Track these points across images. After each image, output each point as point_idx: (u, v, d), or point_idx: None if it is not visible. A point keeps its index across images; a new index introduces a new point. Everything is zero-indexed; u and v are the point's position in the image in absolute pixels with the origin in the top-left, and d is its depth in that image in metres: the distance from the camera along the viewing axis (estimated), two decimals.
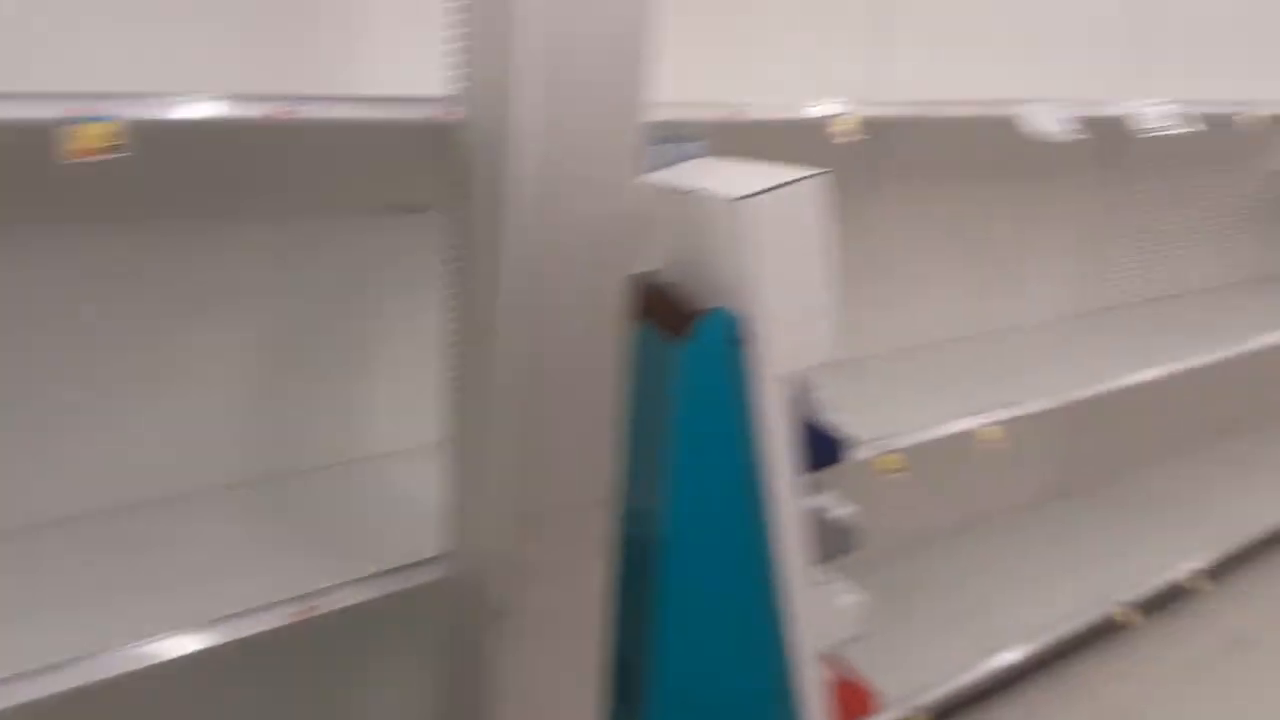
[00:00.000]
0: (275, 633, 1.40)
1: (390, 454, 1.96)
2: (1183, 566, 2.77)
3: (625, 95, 1.20)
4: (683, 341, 1.45)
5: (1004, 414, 2.22)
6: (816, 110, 1.84)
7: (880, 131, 2.38)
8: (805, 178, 1.38)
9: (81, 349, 1.62)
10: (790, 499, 1.55)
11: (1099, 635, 2.61)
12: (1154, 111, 2.42)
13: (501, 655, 1.35)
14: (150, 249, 1.64)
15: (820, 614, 1.64)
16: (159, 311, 1.67)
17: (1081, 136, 2.10)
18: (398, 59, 1.73)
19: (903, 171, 2.53)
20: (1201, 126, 2.49)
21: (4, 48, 1.44)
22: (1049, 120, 2.07)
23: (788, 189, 1.37)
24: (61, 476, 1.64)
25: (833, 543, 1.68)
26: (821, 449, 1.61)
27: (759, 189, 1.37)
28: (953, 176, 2.67)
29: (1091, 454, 3.31)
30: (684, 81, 1.94)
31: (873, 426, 2.06)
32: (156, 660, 1.32)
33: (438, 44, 1.42)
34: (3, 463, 1.58)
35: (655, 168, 1.68)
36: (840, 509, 1.68)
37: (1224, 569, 2.93)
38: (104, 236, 1.60)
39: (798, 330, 1.45)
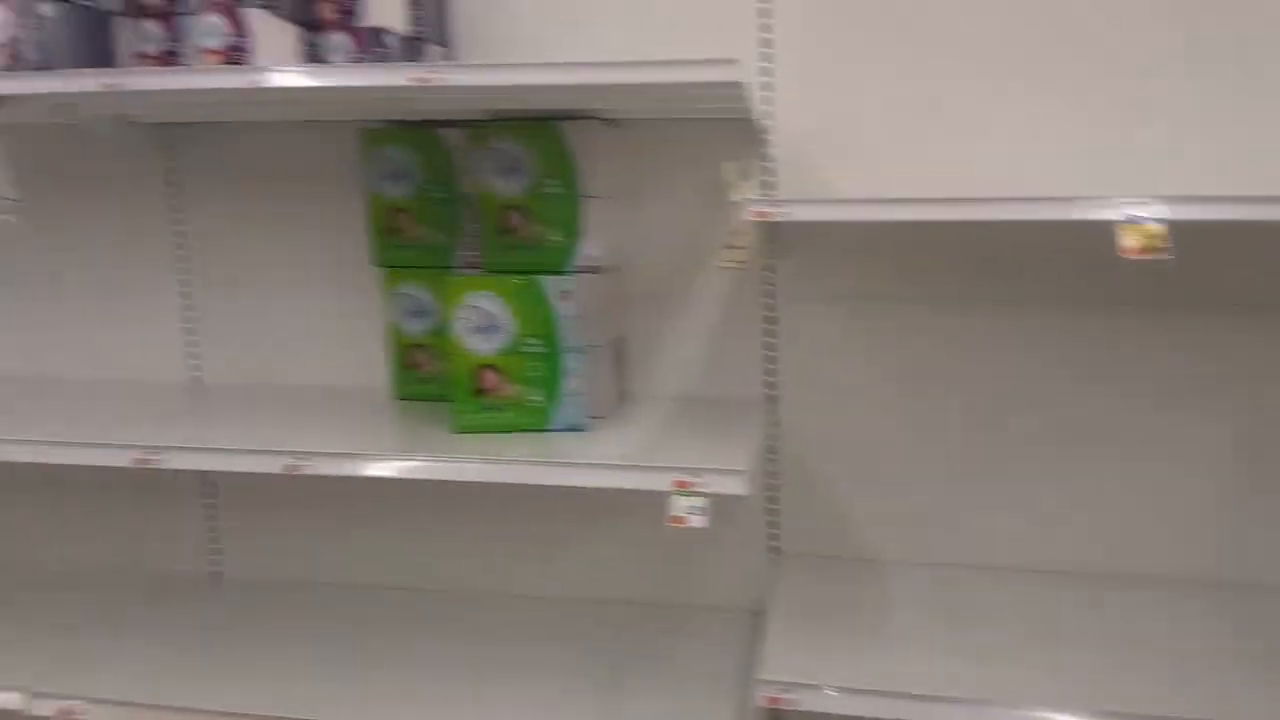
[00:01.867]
0: None
1: None
2: None
3: None
4: None
5: None
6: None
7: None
8: None
9: (1059, 426, 1.82)
10: None
11: None
12: None
13: None
14: (1123, 335, 1.76)
15: None
16: (1132, 395, 1.78)
17: None
18: None
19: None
20: None
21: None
22: None
23: None
24: (1040, 530, 1.85)
25: None
26: None
27: None
28: None
29: None
30: None
31: None
32: None
33: None
34: (987, 510, 1.86)
35: None
36: None
37: None
38: (1073, 322, 1.78)
39: None
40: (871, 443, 1.89)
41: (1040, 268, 1.79)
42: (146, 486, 2.18)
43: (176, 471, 2.10)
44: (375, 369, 2.02)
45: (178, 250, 2.07)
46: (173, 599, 2.04)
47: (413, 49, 1.64)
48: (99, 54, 1.46)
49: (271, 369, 2.08)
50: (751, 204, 1.44)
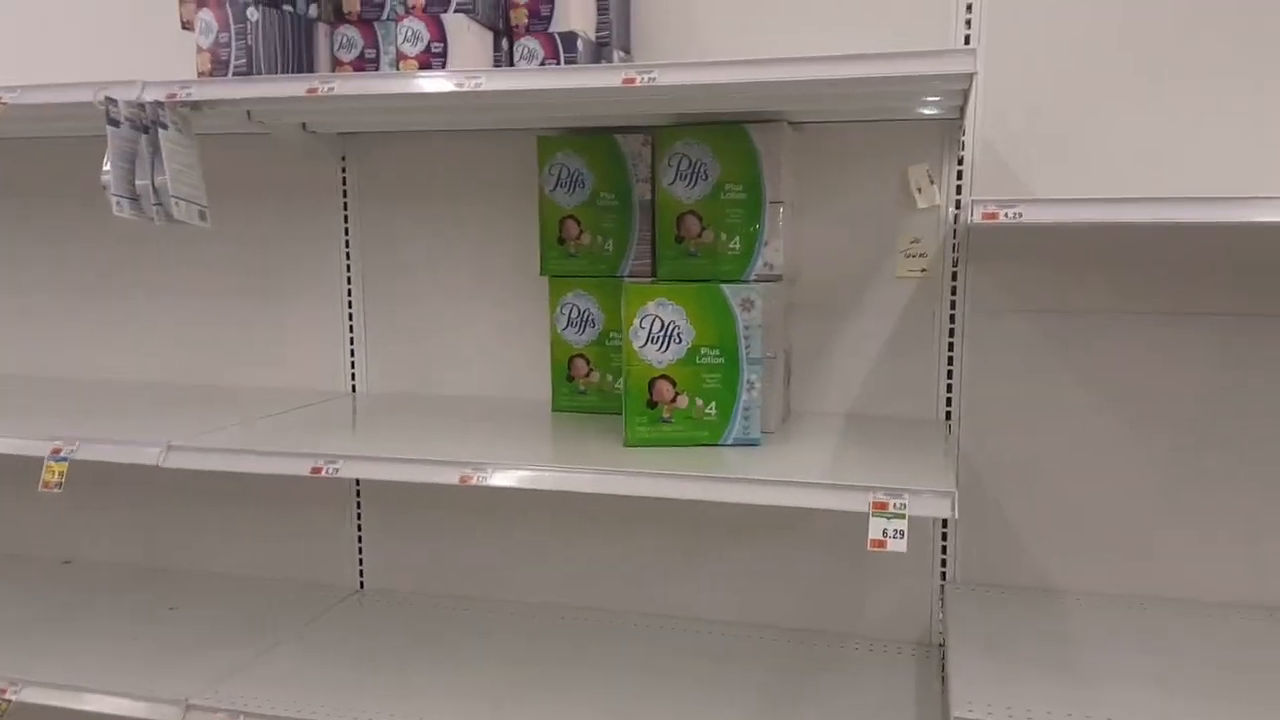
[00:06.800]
0: None
1: None
2: None
3: None
4: None
5: None
6: None
7: None
8: None
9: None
10: None
11: None
12: None
13: None
14: None
15: None
16: None
17: None
18: None
19: None
20: None
21: None
22: None
23: None
24: (1247, 563, 1.73)
25: None
26: None
27: None
28: None
29: None
30: None
31: None
32: None
33: None
34: (1187, 539, 1.75)
35: None
36: None
37: None
38: None
39: None
40: (1058, 465, 1.77)
41: (1262, 275, 1.65)
42: (295, 493, 2.21)
43: (336, 480, 2.12)
44: (536, 381, 2.00)
45: (346, 259, 2.10)
46: (320, 607, 2.06)
47: (599, 54, 1.62)
48: (300, 60, 1.48)
49: (431, 379, 2.08)
50: (947, 207, 1.35)
